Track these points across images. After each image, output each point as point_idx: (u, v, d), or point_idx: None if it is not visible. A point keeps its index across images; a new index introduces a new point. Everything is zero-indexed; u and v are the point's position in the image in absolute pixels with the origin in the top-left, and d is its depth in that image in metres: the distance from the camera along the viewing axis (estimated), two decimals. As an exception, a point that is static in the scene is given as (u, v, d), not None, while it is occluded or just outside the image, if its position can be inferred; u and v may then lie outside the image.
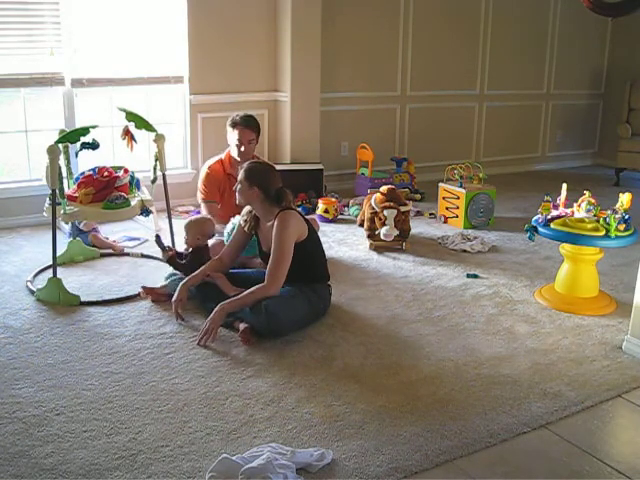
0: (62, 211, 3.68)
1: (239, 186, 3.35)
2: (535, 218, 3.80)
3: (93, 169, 3.99)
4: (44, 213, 3.89)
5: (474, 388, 2.78)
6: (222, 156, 4.36)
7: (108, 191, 3.83)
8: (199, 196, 4.36)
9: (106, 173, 3.93)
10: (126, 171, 4.03)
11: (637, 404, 2.72)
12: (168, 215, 4.11)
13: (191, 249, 3.70)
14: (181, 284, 3.42)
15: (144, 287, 3.65)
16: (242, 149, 4.20)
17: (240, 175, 3.35)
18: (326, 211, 5.27)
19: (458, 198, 5.15)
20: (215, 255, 3.65)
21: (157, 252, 4.18)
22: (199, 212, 5.32)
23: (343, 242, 4.78)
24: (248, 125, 4.21)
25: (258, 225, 3.46)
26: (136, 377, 2.80)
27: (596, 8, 6.11)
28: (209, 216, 3.95)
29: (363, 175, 6.13)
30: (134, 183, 4.07)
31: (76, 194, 3.83)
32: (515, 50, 7.31)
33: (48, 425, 2.44)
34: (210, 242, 4.03)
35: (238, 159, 4.21)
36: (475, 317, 3.52)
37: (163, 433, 2.41)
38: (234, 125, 4.22)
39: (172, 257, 3.68)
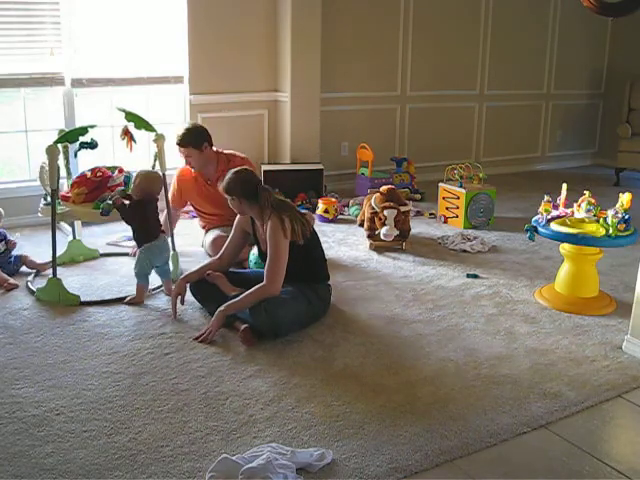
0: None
1: (229, 202, 3.38)
2: (535, 218, 3.80)
3: (91, 169, 3.99)
4: (39, 214, 3.88)
5: (474, 388, 2.78)
6: None
7: (100, 191, 3.81)
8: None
9: (99, 173, 3.91)
10: (121, 171, 4.02)
11: (637, 404, 2.72)
12: (168, 215, 4.11)
13: (134, 199, 3.62)
14: (180, 279, 3.43)
15: (128, 302, 3.60)
16: (189, 166, 4.27)
17: (222, 192, 3.37)
18: (326, 211, 5.27)
19: (458, 198, 5.15)
20: (216, 249, 3.65)
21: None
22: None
23: (343, 242, 4.78)
24: (180, 143, 4.21)
25: (256, 227, 3.46)
26: (136, 377, 2.80)
27: (596, 8, 6.11)
28: (159, 174, 3.82)
29: (363, 175, 6.12)
30: (130, 183, 4.06)
31: (69, 194, 3.82)
32: (515, 50, 7.31)
33: (48, 425, 2.44)
34: (211, 236, 4.07)
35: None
36: (475, 317, 3.51)
37: (163, 433, 2.41)
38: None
39: (117, 200, 3.60)
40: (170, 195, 4.32)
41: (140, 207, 3.57)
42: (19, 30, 4.85)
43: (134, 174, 4.10)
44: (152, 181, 3.65)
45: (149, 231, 3.61)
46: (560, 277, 3.77)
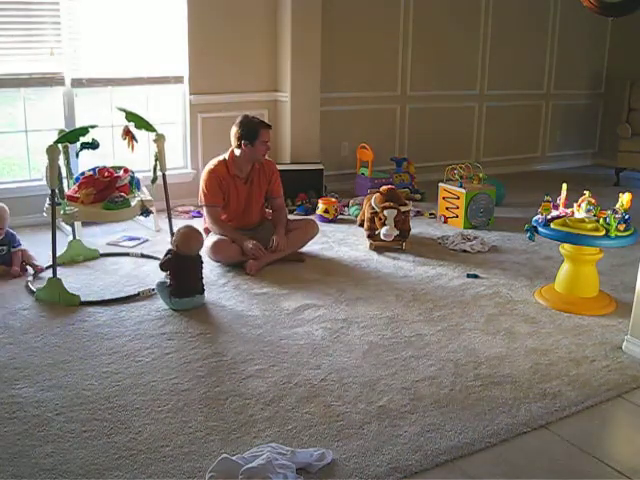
0: (62, 211, 3.68)
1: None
2: (535, 218, 3.80)
3: (93, 169, 4.00)
4: (44, 213, 3.89)
5: (474, 388, 2.78)
6: (225, 156, 4.30)
7: (109, 191, 3.83)
8: (201, 199, 4.28)
9: (107, 174, 3.93)
10: (126, 171, 4.04)
11: (637, 404, 2.72)
12: (168, 215, 4.11)
13: (172, 252, 3.61)
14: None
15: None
16: (267, 151, 4.33)
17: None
18: (326, 211, 5.27)
19: (458, 198, 5.15)
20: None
21: (157, 252, 4.20)
22: (199, 212, 5.33)
23: (343, 242, 4.78)
24: (270, 126, 4.35)
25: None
26: (136, 377, 2.80)
27: (596, 8, 6.11)
28: (199, 233, 3.73)
29: (363, 175, 6.12)
30: (134, 183, 4.07)
31: (77, 194, 3.83)
32: (515, 50, 7.31)
33: (48, 425, 2.44)
34: (213, 239, 4.09)
35: (262, 160, 4.31)
36: (475, 317, 3.51)
37: (163, 433, 2.41)
38: (265, 126, 4.29)
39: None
40: (204, 193, 4.23)
41: (174, 261, 3.56)
42: (19, 30, 4.84)
43: (136, 175, 4.14)
44: (187, 241, 3.58)
45: (180, 286, 3.52)
46: (560, 277, 3.77)
